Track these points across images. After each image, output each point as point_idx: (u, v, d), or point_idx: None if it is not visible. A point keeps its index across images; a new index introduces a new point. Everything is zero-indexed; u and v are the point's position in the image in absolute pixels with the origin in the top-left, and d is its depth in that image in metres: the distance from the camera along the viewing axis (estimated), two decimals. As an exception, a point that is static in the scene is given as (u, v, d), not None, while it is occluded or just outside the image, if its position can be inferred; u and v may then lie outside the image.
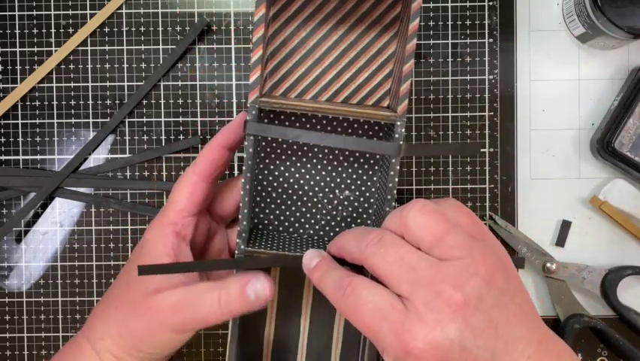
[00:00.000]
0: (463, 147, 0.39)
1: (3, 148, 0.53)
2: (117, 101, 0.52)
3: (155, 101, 0.52)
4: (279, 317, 0.46)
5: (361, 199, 0.45)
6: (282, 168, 0.45)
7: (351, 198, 0.45)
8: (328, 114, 0.40)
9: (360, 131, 0.44)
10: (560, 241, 0.52)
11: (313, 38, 0.44)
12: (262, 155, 0.45)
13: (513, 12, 0.52)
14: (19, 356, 0.53)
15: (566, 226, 0.52)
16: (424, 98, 0.52)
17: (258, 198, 0.45)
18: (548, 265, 0.51)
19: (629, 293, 0.52)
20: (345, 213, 0.45)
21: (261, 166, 0.45)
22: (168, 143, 0.52)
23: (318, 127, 0.44)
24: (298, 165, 0.45)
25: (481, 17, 0.51)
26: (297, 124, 0.44)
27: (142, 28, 0.52)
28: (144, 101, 0.52)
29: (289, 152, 0.45)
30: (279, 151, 0.45)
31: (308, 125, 0.44)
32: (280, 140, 0.44)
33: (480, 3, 0.51)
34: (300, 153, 0.45)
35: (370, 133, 0.44)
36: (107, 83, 0.52)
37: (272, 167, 0.45)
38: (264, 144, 0.44)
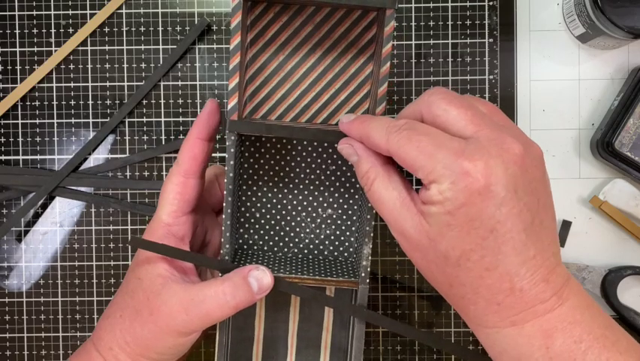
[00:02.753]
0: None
1: (3, 148, 0.53)
2: (117, 101, 0.52)
3: (155, 101, 0.52)
4: (266, 335, 0.46)
5: (344, 217, 0.45)
6: (265, 189, 0.45)
7: (334, 216, 0.45)
8: (304, 139, 0.40)
9: (330, 150, 0.45)
10: (560, 241, 0.52)
11: (291, 62, 0.44)
12: (245, 177, 0.45)
13: (513, 12, 0.52)
14: (19, 356, 0.53)
15: (566, 225, 0.52)
16: (424, 98, 0.52)
17: (242, 219, 0.45)
18: (548, 265, 0.51)
19: (629, 293, 0.52)
20: (328, 231, 0.46)
21: (244, 188, 0.45)
22: (168, 143, 0.52)
23: (299, 148, 0.45)
24: (280, 185, 0.45)
25: (481, 17, 0.51)
26: (279, 145, 0.45)
27: (142, 28, 0.52)
28: (144, 101, 0.52)
29: (271, 173, 0.45)
30: (261, 172, 0.45)
31: (289, 147, 0.45)
32: (262, 162, 0.45)
33: (480, 3, 0.51)
34: (282, 174, 0.45)
35: None
36: (107, 83, 0.52)
37: (254, 188, 0.45)
38: (246, 165, 0.45)
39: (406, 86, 0.52)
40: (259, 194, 0.45)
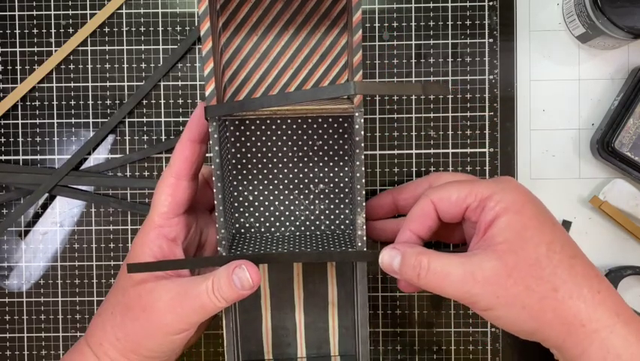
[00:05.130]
0: (428, 86, 0.37)
1: (3, 148, 0.53)
2: (117, 101, 0.52)
3: (155, 101, 0.52)
4: (274, 315, 0.47)
5: (336, 190, 0.45)
6: (255, 171, 0.45)
7: (327, 190, 0.45)
8: (288, 116, 0.40)
9: (325, 125, 0.45)
10: (560, 241, 0.52)
11: (265, 41, 0.44)
12: (233, 161, 0.45)
13: (513, 12, 0.52)
14: (19, 356, 0.53)
15: (566, 225, 0.52)
16: (424, 98, 0.52)
17: (236, 204, 0.46)
18: (548, 265, 0.51)
19: (629, 293, 0.52)
20: (322, 206, 0.46)
21: (234, 172, 0.45)
22: (168, 141, 0.52)
23: (284, 127, 0.45)
24: (270, 165, 0.45)
25: (481, 17, 0.51)
26: (263, 127, 0.45)
27: (142, 28, 0.52)
28: (144, 101, 0.52)
29: (259, 154, 0.45)
30: (249, 155, 0.45)
31: (274, 127, 0.45)
32: (249, 145, 0.45)
33: (480, 3, 0.51)
34: (270, 155, 0.45)
35: (335, 125, 0.45)
36: (107, 83, 0.52)
37: (244, 171, 0.45)
38: (233, 150, 0.45)
39: (406, 86, 0.52)
40: (250, 177, 0.45)
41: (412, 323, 0.52)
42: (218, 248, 0.41)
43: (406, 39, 0.52)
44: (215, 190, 0.39)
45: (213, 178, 0.39)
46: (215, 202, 0.40)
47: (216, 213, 0.40)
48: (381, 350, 0.53)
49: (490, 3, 0.51)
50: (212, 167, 0.39)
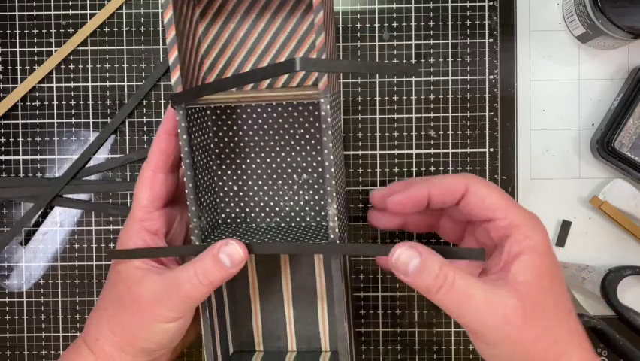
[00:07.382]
0: (386, 65, 0.35)
1: (3, 148, 0.53)
2: (117, 101, 0.52)
3: (155, 101, 0.52)
4: (263, 307, 0.47)
5: (320, 181, 0.45)
6: (238, 161, 0.45)
7: (310, 180, 0.45)
8: (252, 102, 0.40)
9: (305, 113, 0.44)
10: (560, 241, 0.52)
11: (242, 29, 0.44)
12: (217, 151, 0.45)
13: (513, 12, 0.52)
14: (19, 356, 0.53)
15: (566, 225, 0.52)
16: (424, 98, 0.52)
17: (221, 194, 0.45)
18: (548, 265, 0.51)
19: (629, 293, 0.52)
20: (307, 197, 0.45)
21: (218, 162, 0.45)
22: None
23: (264, 115, 0.44)
24: (252, 155, 0.45)
25: (481, 17, 0.51)
26: (244, 116, 0.44)
27: (142, 28, 0.52)
28: (144, 101, 0.52)
29: (241, 144, 0.45)
30: (232, 145, 0.45)
31: (254, 115, 0.44)
32: (231, 134, 0.45)
33: (480, 3, 0.51)
34: (252, 144, 0.45)
35: (316, 113, 0.44)
36: (107, 83, 0.52)
37: (228, 161, 0.45)
38: (216, 140, 0.45)
39: (406, 86, 0.52)
40: (233, 167, 0.45)
41: (412, 323, 0.52)
42: (191, 237, 0.40)
43: (406, 39, 0.52)
44: (185, 179, 0.39)
45: (182, 167, 0.39)
46: (186, 191, 0.39)
47: (187, 203, 0.39)
48: (381, 350, 0.53)
49: (490, 3, 0.51)
50: (182, 155, 0.39)
